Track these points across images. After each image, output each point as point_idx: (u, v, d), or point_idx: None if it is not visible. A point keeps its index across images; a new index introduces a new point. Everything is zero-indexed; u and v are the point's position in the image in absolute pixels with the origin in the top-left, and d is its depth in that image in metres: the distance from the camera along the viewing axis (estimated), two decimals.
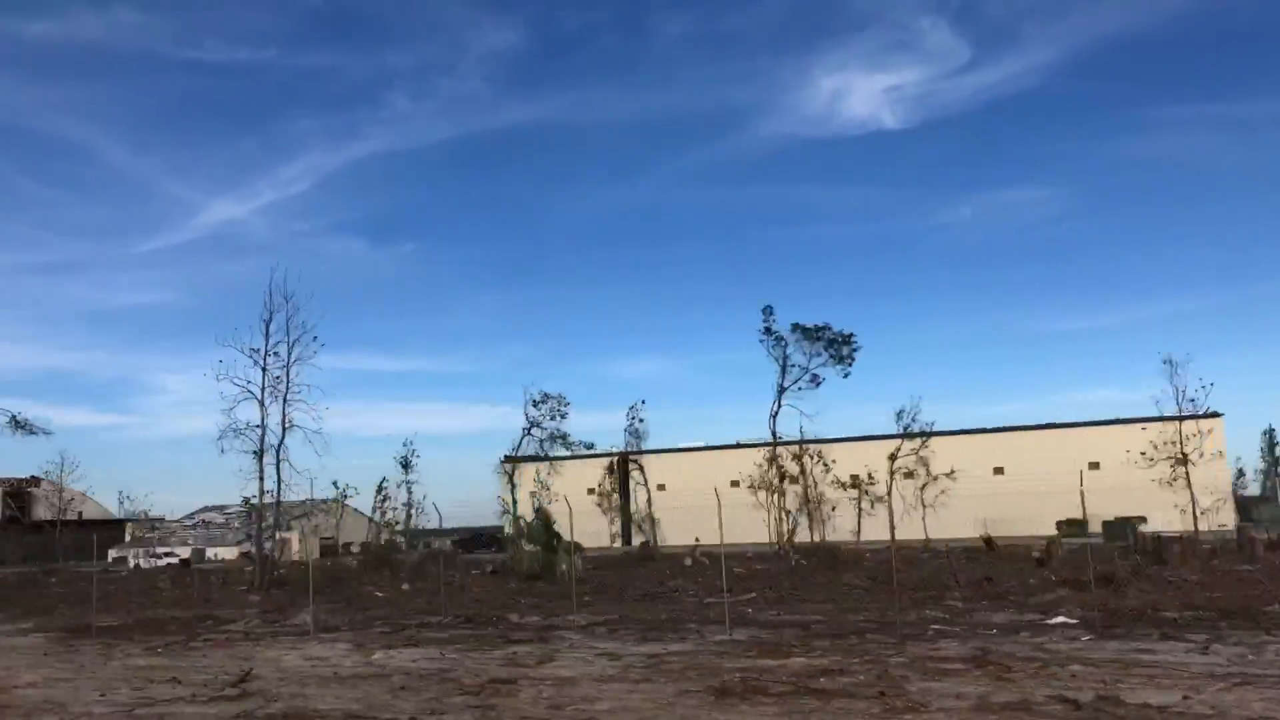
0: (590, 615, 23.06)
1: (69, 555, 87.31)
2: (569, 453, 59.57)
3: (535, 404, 55.04)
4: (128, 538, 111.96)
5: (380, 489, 65.18)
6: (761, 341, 40.31)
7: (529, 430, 56.12)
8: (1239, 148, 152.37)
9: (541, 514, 37.91)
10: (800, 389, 39.03)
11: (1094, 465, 70.21)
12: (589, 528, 63.79)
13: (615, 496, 78.92)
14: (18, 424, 43.45)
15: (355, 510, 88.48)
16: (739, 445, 73.34)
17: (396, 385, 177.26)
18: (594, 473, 79.88)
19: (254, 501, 42.44)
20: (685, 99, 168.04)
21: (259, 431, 39.48)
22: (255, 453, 39.40)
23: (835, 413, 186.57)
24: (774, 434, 39.22)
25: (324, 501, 71.30)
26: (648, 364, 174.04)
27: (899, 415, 51.32)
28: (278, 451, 39.51)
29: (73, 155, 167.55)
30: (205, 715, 12.32)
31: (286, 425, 39.76)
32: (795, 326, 38.75)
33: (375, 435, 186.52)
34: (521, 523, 40.17)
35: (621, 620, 21.89)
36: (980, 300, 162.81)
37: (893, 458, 51.22)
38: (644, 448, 78.92)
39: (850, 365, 39.46)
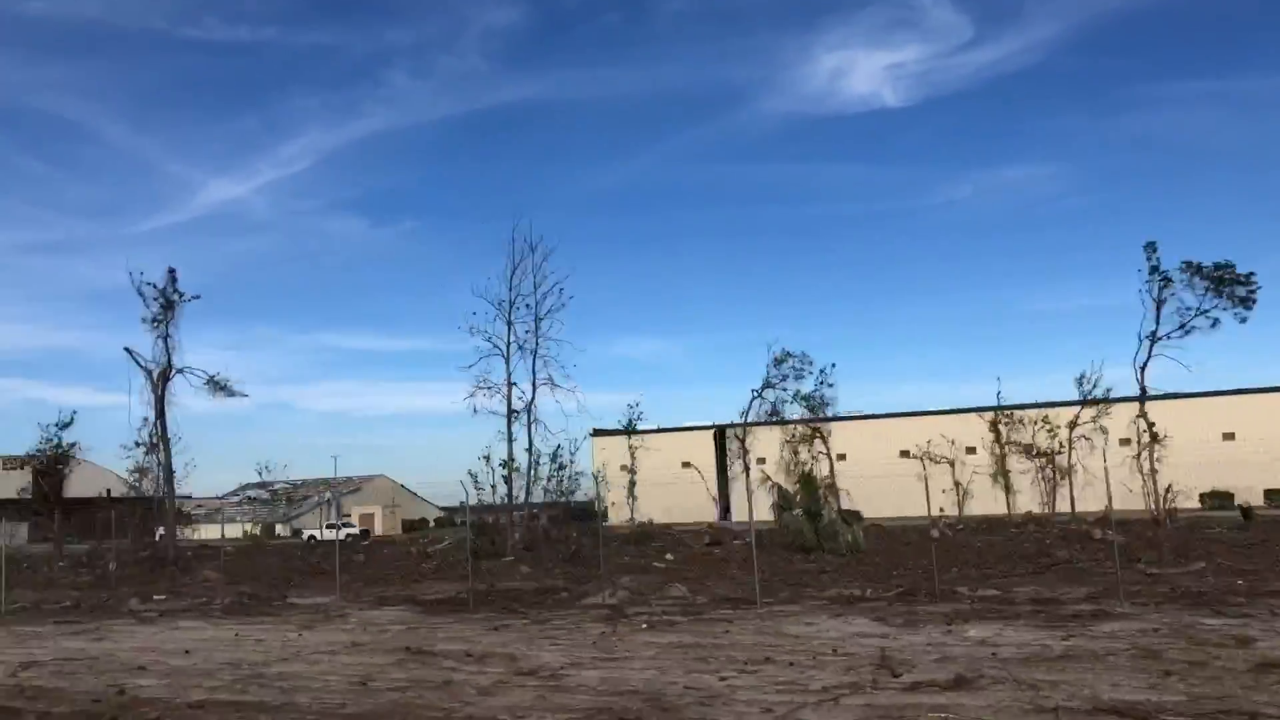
0: (995, 588, 20.68)
1: (107, 534, 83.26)
2: (808, 414, 55.78)
3: (777, 362, 52.19)
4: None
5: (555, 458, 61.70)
6: (1147, 282, 33.20)
7: (760, 392, 53.22)
8: (1242, 124, 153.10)
9: (809, 481, 35.10)
10: (1173, 337, 33.11)
11: None
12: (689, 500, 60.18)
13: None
14: (216, 385, 41.05)
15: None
16: (919, 413, 70.96)
17: (394, 365, 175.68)
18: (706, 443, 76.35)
19: (498, 467, 40.41)
20: (686, 76, 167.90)
21: (506, 390, 38.35)
22: (504, 414, 38.24)
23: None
24: (1142, 389, 33.55)
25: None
26: (647, 344, 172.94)
27: (1079, 380, 48.81)
28: (529, 412, 38.30)
29: (72, 134, 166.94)
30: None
31: (537, 383, 38.63)
32: (1187, 265, 32.78)
33: (376, 414, 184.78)
34: (783, 490, 37.51)
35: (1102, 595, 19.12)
36: (977, 278, 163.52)
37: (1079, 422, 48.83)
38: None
39: (1250, 308, 32.87)
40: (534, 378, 38.84)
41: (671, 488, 71.66)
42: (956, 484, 52.28)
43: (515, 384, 38.34)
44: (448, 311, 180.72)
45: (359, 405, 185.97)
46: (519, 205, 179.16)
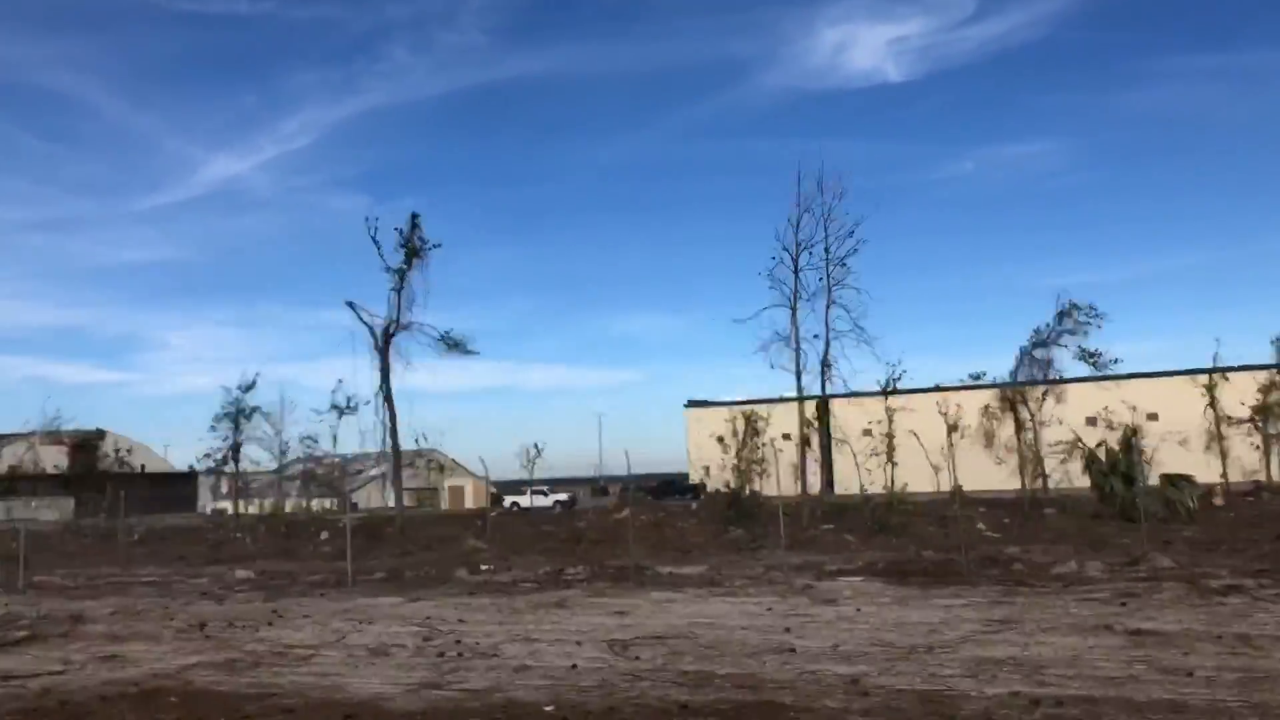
0: None
1: (147, 509, 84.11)
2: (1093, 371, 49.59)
3: (1061, 315, 45.94)
4: (206, 490, 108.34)
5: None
6: None
7: (1034, 348, 47.37)
8: (1248, 98, 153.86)
9: (1130, 445, 31.96)
10: None
11: None
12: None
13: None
14: (450, 343, 39.12)
15: None
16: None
17: (399, 341, 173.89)
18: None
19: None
20: (687, 51, 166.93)
21: (792, 344, 35.44)
22: (793, 371, 35.50)
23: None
24: None
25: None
26: (651, 319, 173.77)
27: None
28: (823, 364, 35.36)
29: (73, 110, 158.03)
30: None
31: (830, 335, 35.60)
32: None
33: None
34: (1092, 453, 34.20)
35: None
36: (983, 253, 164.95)
37: None
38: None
39: None
40: (827, 331, 35.59)
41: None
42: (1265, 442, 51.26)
43: (813, 338, 35.21)
44: (449, 287, 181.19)
45: (361, 381, 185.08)
46: (520, 181, 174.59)
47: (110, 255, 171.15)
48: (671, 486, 68.07)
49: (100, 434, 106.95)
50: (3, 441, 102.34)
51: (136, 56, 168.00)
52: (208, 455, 59.90)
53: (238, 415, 52.51)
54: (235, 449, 56.09)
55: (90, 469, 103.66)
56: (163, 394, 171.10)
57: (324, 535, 35.34)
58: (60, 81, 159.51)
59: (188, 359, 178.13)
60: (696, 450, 73.34)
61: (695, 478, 71.69)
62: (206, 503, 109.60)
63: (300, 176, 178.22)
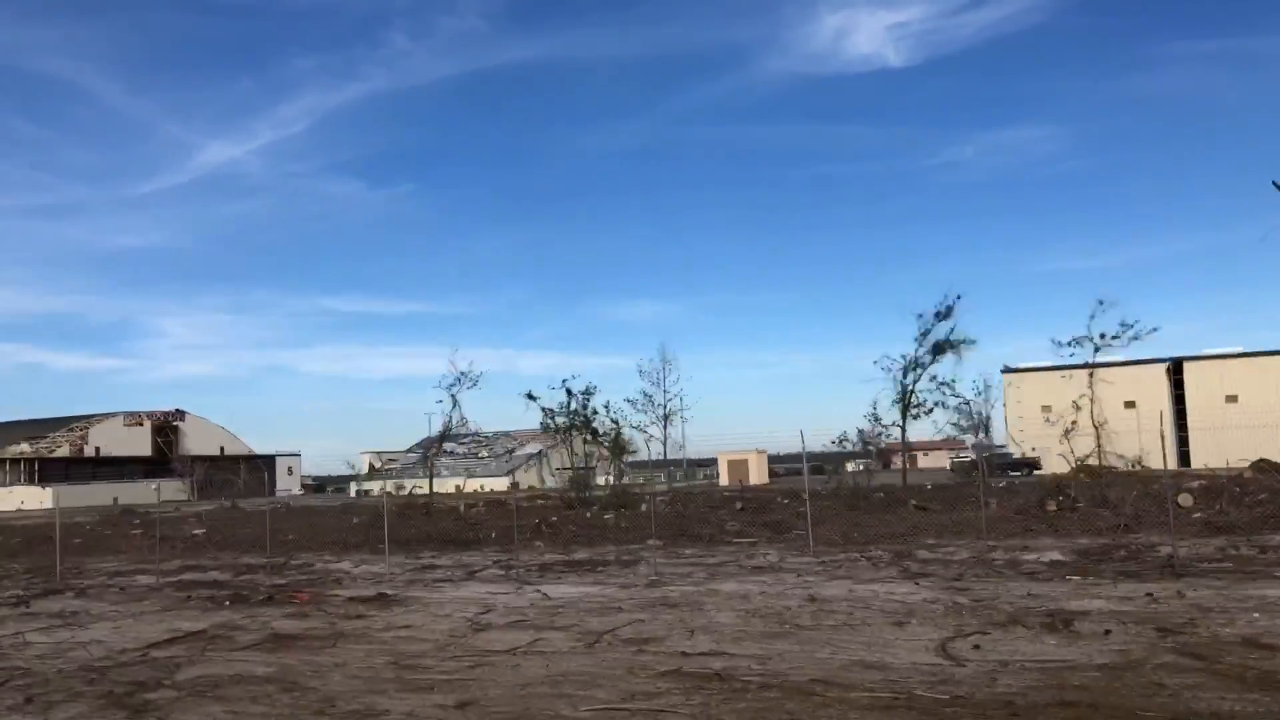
0: None
1: (236, 491, 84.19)
2: None
3: None
4: (287, 473, 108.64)
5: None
6: None
7: None
8: (1248, 82, 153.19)
9: None
10: None
11: None
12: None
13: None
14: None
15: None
16: None
17: (391, 328, 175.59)
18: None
19: None
20: (687, 36, 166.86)
21: None
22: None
23: None
24: None
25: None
26: (652, 306, 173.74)
27: None
28: None
29: (68, 95, 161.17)
30: None
31: None
32: None
33: (377, 378, 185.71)
34: None
35: None
36: (982, 237, 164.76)
37: None
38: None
39: None
40: None
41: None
42: None
43: None
44: (446, 274, 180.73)
45: (356, 368, 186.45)
46: (520, 167, 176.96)
47: (104, 242, 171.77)
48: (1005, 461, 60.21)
49: (180, 414, 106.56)
50: (90, 421, 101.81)
51: (133, 42, 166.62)
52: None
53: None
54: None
55: (171, 450, 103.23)
56: (157, 380, 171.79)
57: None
58: (55, 66, 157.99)
59: (182, 346, 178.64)
60: (1017, 422, 67.13)
61: (1017, 452, 63.96)
62: (291, 486, 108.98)
63: (297, 162, 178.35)
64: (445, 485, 73.87)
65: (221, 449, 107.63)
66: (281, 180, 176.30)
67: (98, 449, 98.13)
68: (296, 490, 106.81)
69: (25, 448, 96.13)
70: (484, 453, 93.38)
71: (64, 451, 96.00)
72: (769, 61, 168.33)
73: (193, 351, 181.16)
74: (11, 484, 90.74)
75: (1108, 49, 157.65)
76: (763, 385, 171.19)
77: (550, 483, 76.19)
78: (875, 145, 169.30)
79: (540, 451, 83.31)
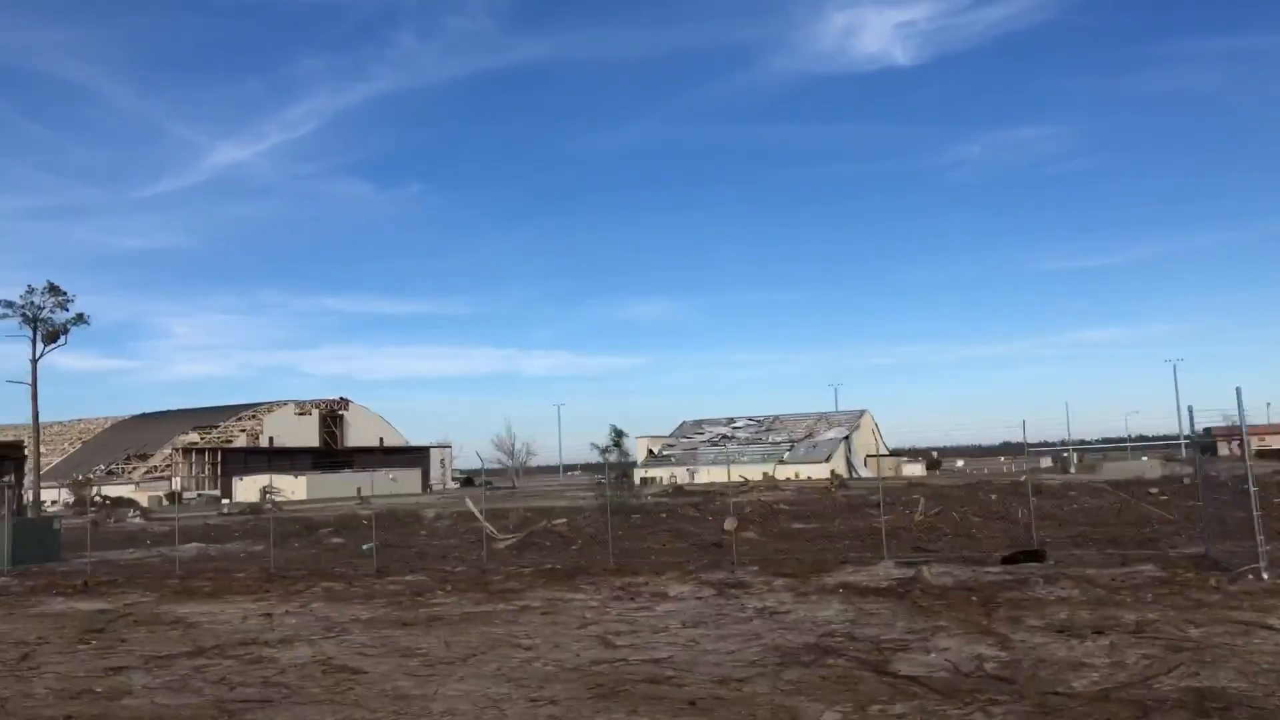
0: None
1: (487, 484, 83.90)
2: None
3: None
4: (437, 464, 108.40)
5: None
6: None
7: None
8: (1257, 81, 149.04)
9: None
10: None
11: None
12: None
13: None
14: None
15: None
16: None
17: (398, 328, 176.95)
18: None
19: None
20: (695, 35, 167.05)
21: None
22: None
23: None
24: None
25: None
26: (658, 304, 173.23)
27: None
28: None
29: (76, 97, 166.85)
30: None
31: None
32: None
33: (380, 378, 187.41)
34: None
35: None
36: (988, 238, 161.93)
37: None
38: None
39: None
40: None
41: None
42: None
43: None
44: (453, 274, 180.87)
45: (360, 368, 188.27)
46: (527, 167, 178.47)
47: (112, 243, 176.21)
48: None
49: (345, 403, 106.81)
50: (257, 410, 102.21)
51: (142, 43, 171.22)
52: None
53: None
54: None
55: (336, 441, 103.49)
56: (164, 381, 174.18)
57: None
58: (64, 68, 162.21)
59: (189, 346, 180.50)
60: None
61: None
62: (443, 478, 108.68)
63: (305, 163, 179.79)
64: (740, 472, 70.25)
65: (381, 440, 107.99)
66: (289, 181, 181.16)
67: (271, 439, 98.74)
68: (450, 483, 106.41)
69: (195, 437, 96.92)
70: (774, 437, 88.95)
71: (241, 441, 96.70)
72: (776, 61, 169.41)
73: (199, 352, 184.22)
74: (196, 473, 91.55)
75: (1116, 47, 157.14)
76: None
77: (864, 472, 73.46)
78: (883, 144, 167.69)
79: (847, 437, 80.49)
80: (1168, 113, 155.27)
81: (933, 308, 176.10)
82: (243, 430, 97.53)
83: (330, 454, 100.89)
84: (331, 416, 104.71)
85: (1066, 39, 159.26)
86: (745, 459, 79.22)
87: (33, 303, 50.67)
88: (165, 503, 71.08)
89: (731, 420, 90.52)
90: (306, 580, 17.80)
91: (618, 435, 40.18)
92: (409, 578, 17.55)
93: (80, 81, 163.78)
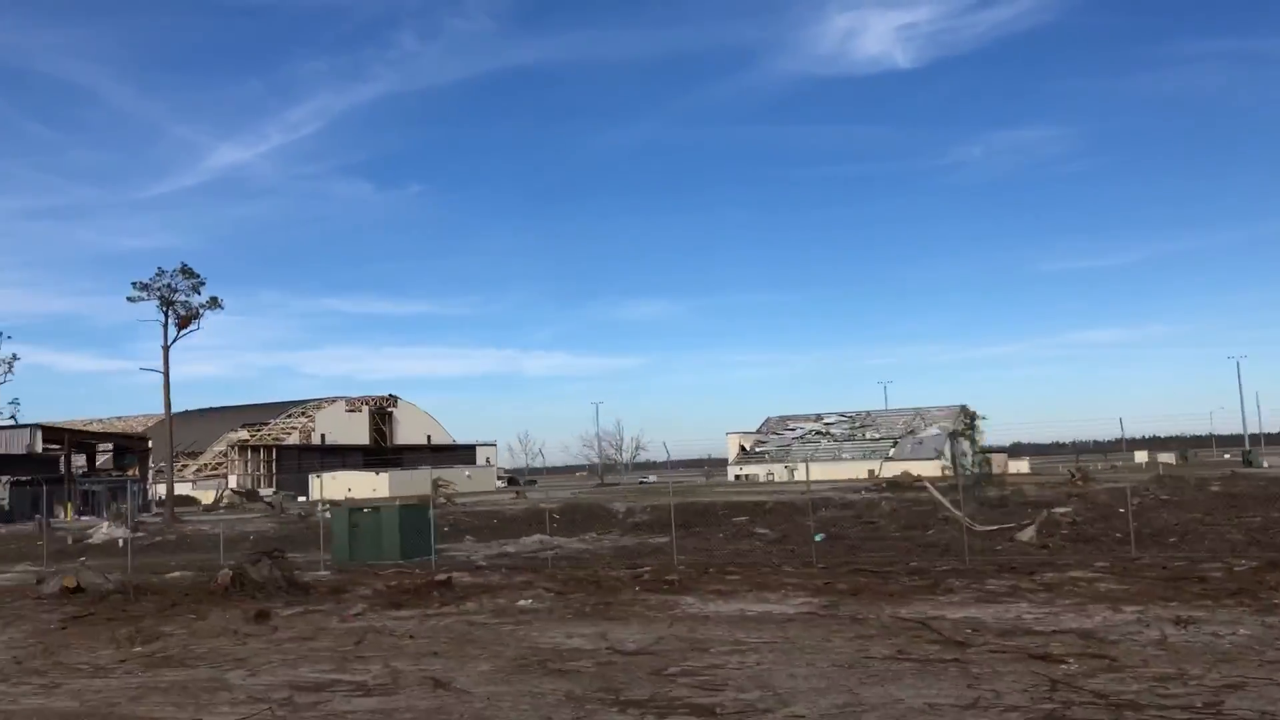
0: None
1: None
2: None
3: None
4: (483, 461, 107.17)
5: None
6: None
7: None
8: (1260, 83, 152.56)
9: None
10: None
11: None
12: None
13: None
14: None
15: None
16: None
17: (398, 329, 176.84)
18: None
19: None
20: (696, 36, 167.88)
21: None
22: None
23: None
24: None
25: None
26: (659, 305, 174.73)
27: None
28: None
29: (77, 98, 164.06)
30: None
31: None
32: None
33: (381, 378, 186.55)
34: None
35: None
36: (988, 240, 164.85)
37: None
38: None
39: None
40: None
41: None
42: None
43: None
44: (454, 275, 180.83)
45: (361, 369, 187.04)
46: (528, 167, 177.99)
47: (112, 243, 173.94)
48: None
49: (393, 400, 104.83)
50: (307, 406, 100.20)
51: (143, 44, 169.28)
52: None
53: None
54: None
55: (385, 438, 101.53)
56: (161, 383, 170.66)
57: None
58: (65, 69, 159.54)
59: (188, 347, 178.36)
60: None
61: None
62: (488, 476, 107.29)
63: (306, 164, 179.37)
64: (840, 470, 68.96)
65: (429, 437, 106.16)
66: (290, 182, 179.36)
67: (323, 436, 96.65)
68: (496, 482, 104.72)
69: (245, 435, 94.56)
70: (872, 433, 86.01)
71: (294, 439, 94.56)
72: (778, 62, 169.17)
73: (199, 353, 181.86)
74: (253, 470, 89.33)
75: (1117, 49, 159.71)
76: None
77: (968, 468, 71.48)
78: (884, 145, 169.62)
79: (955, 432, 78.32)
80: (1169, 114, 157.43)
81: (933, 309, 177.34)
82: (295, 427, 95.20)
83: (380, 451, 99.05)
84: (380, 413, 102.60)
85: (1067, 41, 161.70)
86: (847, 456, 78.25)
87: (168, 285, 48.70)
88: (243, 501, 68.86)
89: (819, 416, 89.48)
90: (870, 575, 16.49)
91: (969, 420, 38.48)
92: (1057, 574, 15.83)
93: (81, 82, 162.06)
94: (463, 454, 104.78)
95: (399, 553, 20.99)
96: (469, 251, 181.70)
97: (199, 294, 49.37)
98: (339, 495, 73.84)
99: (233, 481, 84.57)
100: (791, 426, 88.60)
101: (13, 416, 62.24)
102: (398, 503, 25.28)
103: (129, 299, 49.01)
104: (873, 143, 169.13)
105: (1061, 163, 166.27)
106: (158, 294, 48.87)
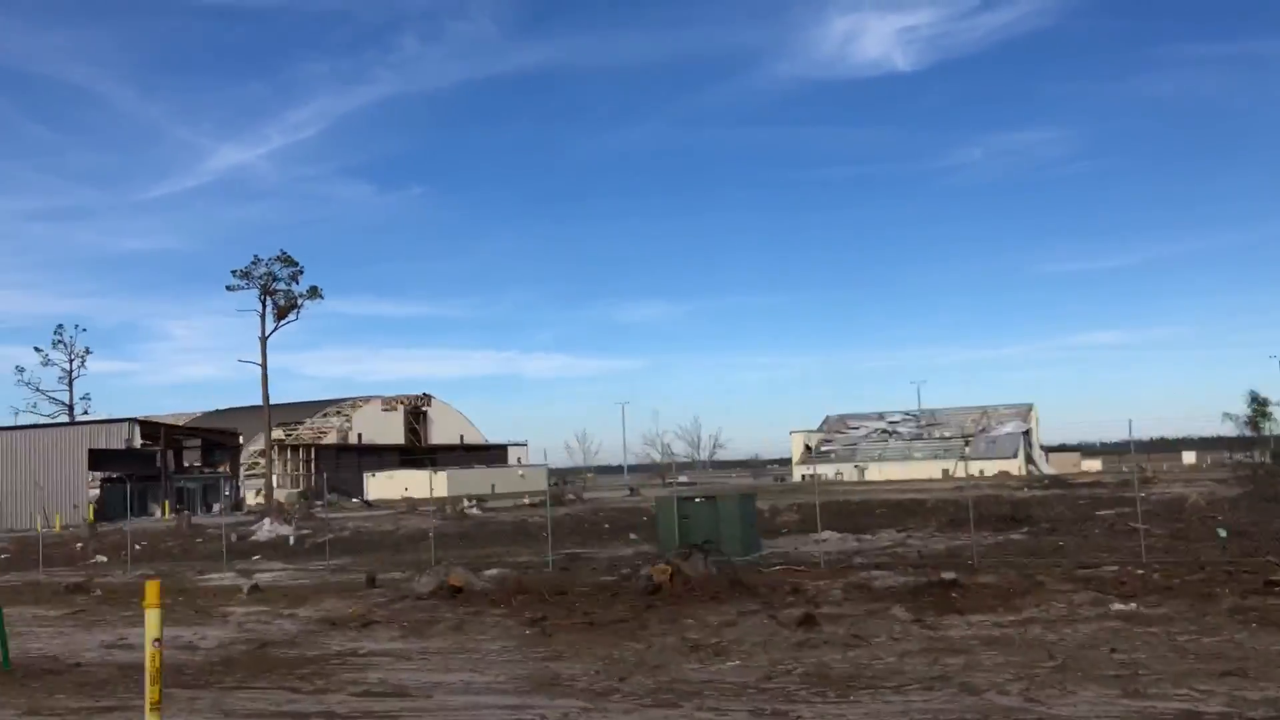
0: None
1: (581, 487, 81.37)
2: None
3: None
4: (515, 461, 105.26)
5: None
6: None
7: None
8: (1257, 86, 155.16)
9: None
10: None
11: None
12: None
13: None
14: None
15: None
16: None
17: (401, 331, 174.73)
18: None
19: None
20: (697, 39, 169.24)
21: None
22: None
23: None
24: None
25: None
26: (659, 307, 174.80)
27: None
28: None
29: (79, 99, 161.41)
30: None
31: None
32: None
33: (382, 380, 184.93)
34: None
35: None
36: (989, 242, 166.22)
37: None
38: None
39: None
40: None
41: None
42: None
43: None
44: (454, 277, 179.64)
45: (361, 370, 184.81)
46: (529, 170, 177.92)
47: (113, 245, 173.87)
48: None
49: (428, 399, 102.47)
50: (340, 406, 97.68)
51: (145, 46, 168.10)
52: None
53: None
54: None
55: (420, 438, 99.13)
56: (162, 383, 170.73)
57: None
58: (67, 70, 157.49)
59: (188, 349, 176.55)
60: None
61: None
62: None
63: (307, 166, 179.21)
64: (913, 470, 66.96)
65: (461, 437, 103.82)
66: (291, 184, 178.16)
67: (359, 435, 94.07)
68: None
69: (280, 434, 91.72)
70: (941, 432, 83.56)
71: (331, 438, 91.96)
72: (779, 65, 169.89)
73: (199, 354, 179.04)
74: (292, 470, 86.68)
75: (1117, 51, 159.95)
76: None
77: (1046, 468, 70.46)
78: (884, 148, 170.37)
79: (1027, 431, 77.19)
80: (1169, 117, 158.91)
81: (934, 312, 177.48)
82: (331, 426, 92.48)
83: (414, 451, 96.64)
84: (415, 413, 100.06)
85: (1067, 43, 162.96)
86: (919, 455, 76.81)
87: (269, 273, 46.47)
88: (302, 502, 66.24)
89: (882, 415, 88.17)
90: None
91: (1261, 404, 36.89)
92: None
93: (83, 84, 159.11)
94: (496, 454, 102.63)
95: (740, 547, 19.15)
96: (469, 254, 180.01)
97: (297, 283, 47.18)
98: (394, 495, 71.53)
99: (274, 482, 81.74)
100: (855, 425, 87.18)
101: (85, 411, 59.54)
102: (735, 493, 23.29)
103: (228, 288, 46.80)
104: (873, 145, 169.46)
105: (1062, 164, 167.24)
106: (259, 283, 46.56)
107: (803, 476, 78.58)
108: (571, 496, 42.50)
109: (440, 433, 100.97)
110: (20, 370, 75.44)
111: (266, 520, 31.89)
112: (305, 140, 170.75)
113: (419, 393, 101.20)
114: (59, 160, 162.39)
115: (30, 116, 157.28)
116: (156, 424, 54.59)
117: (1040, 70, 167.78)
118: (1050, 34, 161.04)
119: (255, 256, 46.24)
